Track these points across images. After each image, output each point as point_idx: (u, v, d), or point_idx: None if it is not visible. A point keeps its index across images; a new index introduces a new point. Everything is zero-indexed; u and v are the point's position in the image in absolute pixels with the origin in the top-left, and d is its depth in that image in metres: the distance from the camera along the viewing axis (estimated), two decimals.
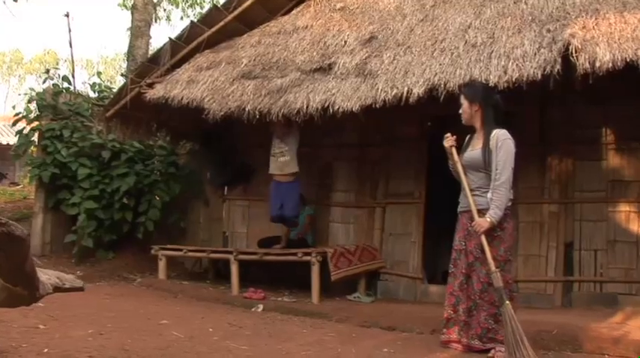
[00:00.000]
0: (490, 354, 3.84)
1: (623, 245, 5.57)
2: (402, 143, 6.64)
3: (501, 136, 3.89)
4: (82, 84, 12.73)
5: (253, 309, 5.57)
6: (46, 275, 1.90)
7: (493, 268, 3.72)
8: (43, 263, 7.08)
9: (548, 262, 5.84)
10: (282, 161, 6.35)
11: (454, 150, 4.05)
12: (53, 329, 3.93)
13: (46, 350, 3.38)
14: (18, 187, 13.90)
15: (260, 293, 6.05)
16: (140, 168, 7.64)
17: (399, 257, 6.54)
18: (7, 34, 47.37)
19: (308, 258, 5.89)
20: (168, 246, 6.98)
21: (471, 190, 3.97)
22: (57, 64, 31.07)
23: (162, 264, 6.86)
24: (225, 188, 7.93)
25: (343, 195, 7.12)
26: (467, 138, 4.13)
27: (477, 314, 3.94)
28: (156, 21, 15.16)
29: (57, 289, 1.90)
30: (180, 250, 6.92)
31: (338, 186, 7.16)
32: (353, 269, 6.13)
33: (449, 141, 4.08)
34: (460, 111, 4.08)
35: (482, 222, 3.82)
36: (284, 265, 6.33)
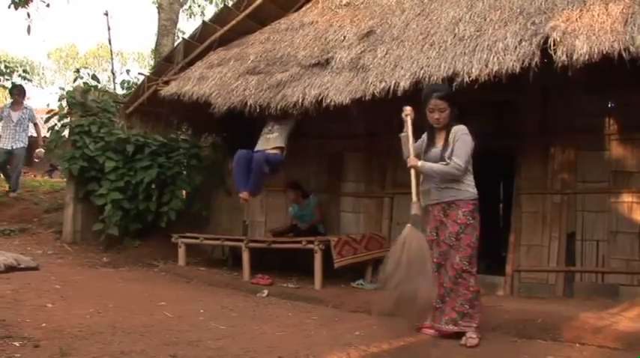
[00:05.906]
0: (462, 341, 3.99)
1: (624, 236, 5.52)
2: None
3: (459, 131, 4.09)
4: (109, 80, 13.26)
5: (258, 294, 5.78)
6: (3, 257, 2.21)
7: (415, 198, 4.18)
8: (74, 249, 7.63)
9: (550, 252, 5.84)
10: (270, 137, 6.31)
11: (409, 119, 4.26)
12: (58, 308, 4.33)
13: (43, 324, 3.78)
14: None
15: (267, 279, 6.27)
16: (163, 160, 7.95)
17: None
18: (64, 30, 49.54)
19: (311, 246, 6.10)
20: (187, 235, 7.33)
21: (438, 186, 4.21)
22: (110, 58, 32.33)
23: (181, 251, 7.22)
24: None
25: (353, 185, 7.24)
26: (425, 136, 4.31)
27: (450, 300, 4.11)
28: (191, 17, 15.63)
29: (11, 268, 2.21)
30: (197, 238, 7.26)
31: (348, 177, 7.29)
32: (358, 257, 6.30)
33: (407, 111, 4.28)
34: (437, 116, 4.15)
35: (414, 160, 4.21)
36: (294, 253, 6.55)
